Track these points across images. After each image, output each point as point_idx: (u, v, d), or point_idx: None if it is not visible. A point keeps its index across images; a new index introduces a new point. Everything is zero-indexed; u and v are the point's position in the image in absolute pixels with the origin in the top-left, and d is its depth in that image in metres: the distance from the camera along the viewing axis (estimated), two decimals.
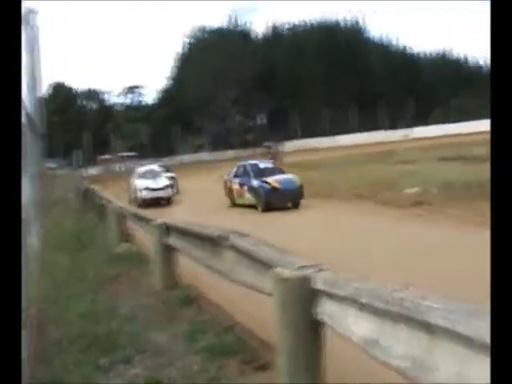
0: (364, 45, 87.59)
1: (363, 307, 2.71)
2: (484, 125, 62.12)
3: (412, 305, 2.36)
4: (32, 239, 4.65)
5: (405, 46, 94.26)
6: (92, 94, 75.26)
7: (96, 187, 28.44)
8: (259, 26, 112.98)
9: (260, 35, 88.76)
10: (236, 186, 20.70)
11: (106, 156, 61.28)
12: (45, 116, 5.51)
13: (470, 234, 11.05)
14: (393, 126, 69.91)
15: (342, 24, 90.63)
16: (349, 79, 77.05)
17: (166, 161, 43.98)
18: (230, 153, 62.89)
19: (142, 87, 78.64)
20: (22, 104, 2.81)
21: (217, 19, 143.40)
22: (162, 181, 25.74)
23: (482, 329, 1.93)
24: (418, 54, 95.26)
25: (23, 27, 4.18)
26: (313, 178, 23.68)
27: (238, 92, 71.46)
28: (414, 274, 7.39)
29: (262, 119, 77.88)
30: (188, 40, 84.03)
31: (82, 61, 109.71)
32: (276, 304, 3.29)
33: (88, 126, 67.28)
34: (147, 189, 24.64)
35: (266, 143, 54.62)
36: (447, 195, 15.75)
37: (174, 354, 4.76)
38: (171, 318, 5.82)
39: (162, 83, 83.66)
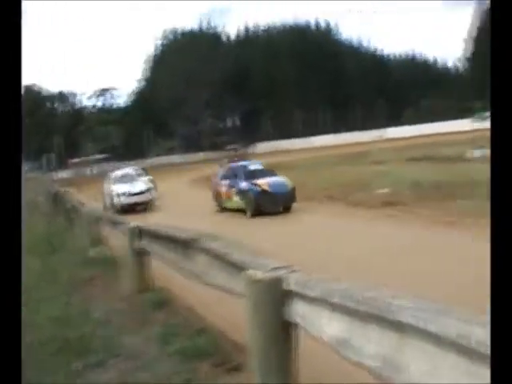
0: (336, 46, 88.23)
1: (335, 307, 2.73)
2: (453, 125, 63.33)
3: (383, 304, 2.38)
4: None
5: (376, 48, 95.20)
6: (63, 97, 74.49)
7: (68, 190, 28.14)
8: (232, 28, 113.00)
9: (233, 37, 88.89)
10: (224, 189, 19.31)
11: (77, 159, 60.75)
12: None
13: (439, 233, 11.28)
14: (365, 126, 70.45)
15: (315, 26, 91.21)
16: (321, 80, 77.55)
17: (138, 163, 43.72)
18: (202, 155, 62.90)
19: (114, 89, 78.03)
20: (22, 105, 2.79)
21: (189, 21, 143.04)
22: (141, 185, 24.01)
23: (451, 327, 1.97)
24: (389, 55, 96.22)
25: None
26: None
27: (210, 94, 71.39)
28: (385, 274, 7.49)
29: (234, 121, 77.98)
30: (160, 42, 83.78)
31: (53, 63, 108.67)
32: (248, 306, 3.30)
33: (59, 128, 66.65)
34: (125, 194, 22.91)
35: (232, 145, 54.59)
36: (417, 195, 15.95)
37: (147, 357, 4.74)
38: (144, 321, 5.79)
39: (135, 85, 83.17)
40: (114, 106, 78.66)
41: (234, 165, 20.36)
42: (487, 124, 47.69)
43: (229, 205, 18.97)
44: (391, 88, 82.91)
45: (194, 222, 13.36)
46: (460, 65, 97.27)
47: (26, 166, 40.95)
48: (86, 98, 76.60)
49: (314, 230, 13.45)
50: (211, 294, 5.05)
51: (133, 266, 7.41)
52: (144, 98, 76.21)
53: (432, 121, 66.72)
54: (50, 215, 18.45)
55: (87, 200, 16.38)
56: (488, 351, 1.76)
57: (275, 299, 3.17)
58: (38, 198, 24.74)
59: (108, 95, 77.70)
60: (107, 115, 72.58)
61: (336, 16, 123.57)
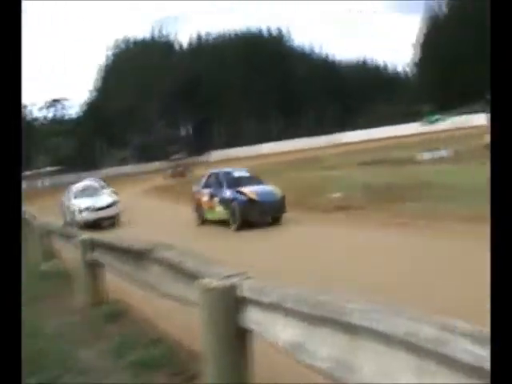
0: (288, 53, 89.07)
1: (289, 312, 2.75)
2: (402, 129, 64.49)
3: (336, 307, 2.41)
4: None
5: (327, 54, 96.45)
6: None
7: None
8: (185, 37, 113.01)
9: (185, 45, 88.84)
10: (205, 198, 17.33)
11: (29, 172, 59.58)
12: None
13: (390, 235, 11.52)
14: (318, 132, 71.21)
15: (267, 33, 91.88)
16: (273, 87, 78.11)
17: (91, 175, 43.16)
18: (155, 165, 62.52)
19: (65, 100, 76.97)
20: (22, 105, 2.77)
21: (141, 30, 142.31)
22: (105, 198, 21.86)
23: (401, 326, 2.02)
24: (340, 61, 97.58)
25: None
26: None
27: (163, 103, 71.09)
28: (337, 275, 7.60)
29: (187, 130, 77.76)
30: (112, 51, 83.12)
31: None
32: (202, 314, 3.29)
33: None
34: (89, 209, 20.67)
35: (176, 156, 54.11)
36: (369, 198, 16.22)
37: (102, 371, 4.68)
38: (98, 334, 5.71)
39: (86, 96, 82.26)
40: (66, 117, 77.67)
41: (216, 171, 18.55)
42: (435, 127, 48.63)
43: (211, 216, 17.17)
44: (343, 93, 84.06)
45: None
46: (409, 69, 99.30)
47: None
48: (37, 110, 75.42)
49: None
50: (168, 304, 5.02)
51: (86, 278, 7.30)
52: (96, 109, 75.50)
53: (383, 125, 67.89)
54: None
55: (39, 213, 16.02)
56: (436, 348, 1.81)
57: (229, 307, 3.17)
58: None
59: (59, 106, 76.76)
60: (59, 126, 71.58)
61: (288, 23, 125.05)
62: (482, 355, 1.65)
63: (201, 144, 70.27)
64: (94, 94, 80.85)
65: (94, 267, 7.21)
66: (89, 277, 7.26)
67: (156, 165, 61.70)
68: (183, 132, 78.15)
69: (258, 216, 15.34)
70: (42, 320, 6.58)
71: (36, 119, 75.23)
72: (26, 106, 73.53)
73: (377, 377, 2.15)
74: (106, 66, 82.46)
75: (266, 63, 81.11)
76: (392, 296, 5.96)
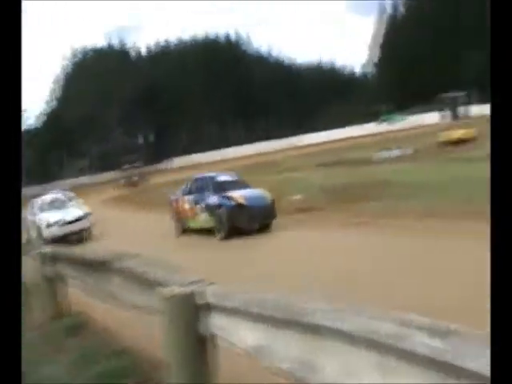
0: (247, 58, 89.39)
1: (252, 317, 2.76)
2: (360, 129, 65.18)
3: (298, 309, 2.44)
4: None
5: (286, 57, 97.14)
6: None
7: None
8: (143, 44, 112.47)
9: (144, 53, 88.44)
10: (187, 205, 16.01)
11: None
12: None
13: (350, 235, 11.67)
14: (278, 135, 71.56)
15: (226, 38, 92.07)
16: (233, 92, 78.37)
17: (49, 186, 42.48)
18: (109, 175, 61.61)
19: (23, 111, 75.75)
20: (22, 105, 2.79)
21: (99, 39, 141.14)
22: (76, 211, 20.00)
23: (363, 324, 2.05)
24: (300, 64, 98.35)
25: None
26: None
27: (122, 111, 70.57)
28: (299, 277, 7.66)
29: (148, 137, 77.33)
30: (69, 61, 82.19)
31: None
32: (164, 322, 3.28)
33: None
34: (58, 223, 19.03)
35: (127, 165, 52.96)
36: (329, 199, 16.36)
37: None
38: (59, 347, 5.61)
39: (43, 106, 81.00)
40: (23, 129, 76.33)
41: (199, 176, 17.08)
42: (392, 127, 49.27)
43: (193, 224, 15.75)
44: (302, 96, 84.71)
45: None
46: (366, 70, 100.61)
47: None
48: None
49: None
50: (132, 314, 4.96)
51: (45, 292, 7.16)
52: (53, 119, 74.49)
53: (342, 126, 68.58)
54: None
55: None
56: (396, 343, 1.84)
57: (190, 314, 3.16)
58: None
59: None
60: None
61: (246, 28, 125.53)
62: (439, 348, 1.68)
63: (162, 151, 69.88)
64: (52, 103, 79.79)
65: (53, 280, 7.09)
66: (48, 290, 7.13)
67: (110, 175, 60.67)
68: (142, 140, 77.61)
69: (246, 222, 14.01)
70: None
71: None
72: None
73: (339, 376, 2.18)
74: (65, 75, 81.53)
75: (226, 68, 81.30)
76: (353, 295, 6.07)
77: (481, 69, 78.75)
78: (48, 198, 22.05)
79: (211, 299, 3.12)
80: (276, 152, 54.63)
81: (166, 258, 4.76)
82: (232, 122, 75.71)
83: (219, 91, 77.73)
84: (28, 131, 74.93)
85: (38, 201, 21.41)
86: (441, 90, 41.16)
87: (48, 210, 20.00)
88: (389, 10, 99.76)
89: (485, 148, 23.86)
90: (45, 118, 77.44)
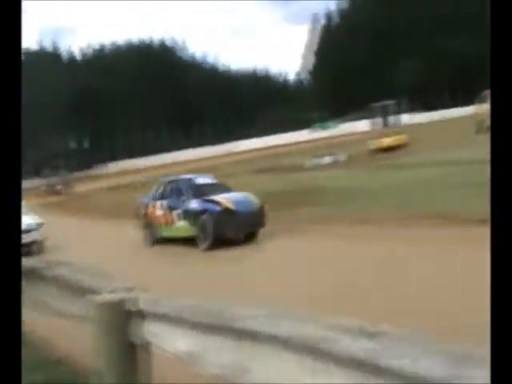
0: (183, 64, 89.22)
1: (185, 323, 2.75)
2: (295, 136, 65.92)
3: (232, 315, 2.45)
4: None
5: (221, 64, 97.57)
6: None
7: None
8: (78, 48, 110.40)
9: (79, 57, 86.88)
10: (160, 212, 14.14)
11: None
12: None
13: (291, 242, 11.70)
14: (213, 141, 71.60)
15: (161, 44, 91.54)
16: (169, 97, 77.92)
17: None
18: (34, 182, 59.52)
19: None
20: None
21: (31, 42, 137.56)
22: (27, 220, 15.44)
23: (290, 328, 2.08)
24: (235, 70, 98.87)
25: None
26: (120, 200, 23.91)
27: (55, 116, 68.91)
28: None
29: (83, 142, 75.89)
30: None
31: None
32: (94, 330, 3.23)
33: None
34: None
35: (49, 171, 50.86)
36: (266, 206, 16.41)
37: None
38: None
39: None
40: None
41: (173, 178, 15.16)
42: (325, 133, 49.93)
43: (168, 233, 13.90)
44: (238, 102, 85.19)
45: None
46: (300, 78, 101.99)
47: None
48: None
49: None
50: (67, 323, 4.85)
51: None
52: None
53: (277, 132, 69.24)
54: None
55: None
56: (327, 346, 1.88)
57: (122, 321, 3.12)
58: None
59: None
60: None
61: (182, 33, 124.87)
62: (368, 349, 1.73)
63: (96, 156, 68.64)
64: None
65: None
66: None
67: (32, 182, 58.49)
68: (75, 145, 76.02)
69: (234, 230, 12.38)
70: None
71: None
72: None
73: (271, 379, 2.20)
74: None
75: (161, 74, 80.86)
76: (280, 300, 6.14)
77: (411, 78, 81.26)
78: None
79: (143, 306, 3.09)
80: (211, 158, 54.58)
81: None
82: (167, 128, 75.17)
83: (154, 96, 77.16)
84: None
85: None
86: (373, 98, 42.14)
87: None
88: (323, 19, 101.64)
89: (414, 155, 24.65)
90: None
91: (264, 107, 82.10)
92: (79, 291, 4.03)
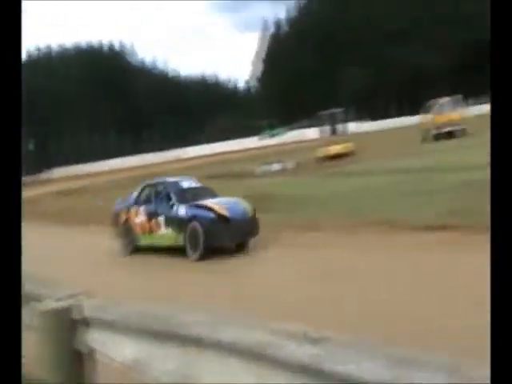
0: (132, 69, 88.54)
1: (132, 329, 2.73)
2: (244, 143, 66.12)
3: (177, 321, 2.44)
4: None
5: (170, 69, 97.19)
6: None
7: None
8: (24, 50, 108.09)
9: (24, 57, 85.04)
10: (140, 219, 12.83)
11: None
12: None
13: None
14: (163, 147, 71.08)
15: (110, 48, 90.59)
16: (117, 103, 77.07)
17: None
18: None
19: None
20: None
21: None
22: None
23: (237, 334, 2.09)
24: (184, 76, 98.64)
25: None
26: (70, 205, 23.45)
27: None
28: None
29: (28, 146, 74.24)
30: None
31: None
32: (39, 338, 3.17)
33: None
34: None
35: None
36: None
37: None
38: None
39: None
40: None
41: (154, 182, 13.81)
42: (274, 141, 50.10)
43: (148, 242, 12.66)
44: (187, 108, 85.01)
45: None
46: (250, 85, 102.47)
47: None
48: None
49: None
50: None
51: None
52: None
53: (226, 139, 69.32)
54: None
55: None
56: (272, 352, 1.90)
57: (66, 328, 3.07)
58: None
59: None
60: None
61: (132, 38, 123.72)
62: (313, 354, 1.76)
63: (42, 160, 67.25)
64: None
65: None
66: None
67: None
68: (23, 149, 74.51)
69: (227, 239, 11.38)
70: None
71: None
72: None
73: None
74: None
75: (110, 78, 79.99)
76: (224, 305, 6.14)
77: (359, 86, 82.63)
78: None
79: (89, 313, 3.05)
80: (161, 164, 54.18)
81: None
82: (116, 133, 74.32)
83: (103, 101, 76.24)
84: None
85: None
86: (322, 106, 42.66)
87: None
88: (272, 26, 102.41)
89: (361, 163, 25.06)
90: None
91: (213, 114, 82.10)
92: (24, 299, 3.95)
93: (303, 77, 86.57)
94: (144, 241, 12.73)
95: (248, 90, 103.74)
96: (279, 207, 15.19)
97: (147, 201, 12.92)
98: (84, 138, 72.63)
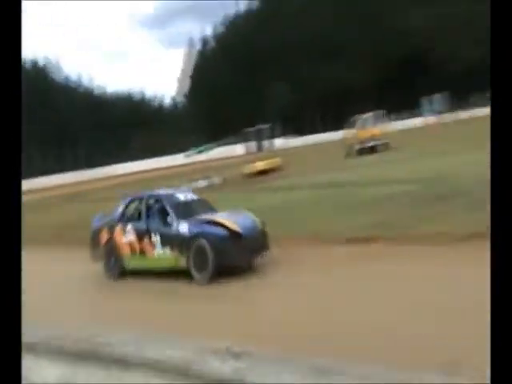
0: (55, 85, 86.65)
1: (53, 352, 2.72)
2: (171, 160, 65.81)
3: (100, 340, 2.46)
4: None
5: (95, 86, 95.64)
6: None
7: None
8: None
9: None
10: (129, 237, 11.07)
11: None
12: None
13: None
14: (88, 165, 69.59)
15: (33, 64, 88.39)
16: (41, 120, 75.10)
17: None
18: None
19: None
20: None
21: None
22: None
23: (164, 353, 2.13)
24: (109, 93, 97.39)
25: None
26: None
27: None
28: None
29: None
30: None
31: None
32: None
33: None
34: None
35: None
36: None
37: None
38: None
39: None
40: None
41: (147, 195, 11.65)
42: (200, 158, 49.95)
43: (140, 264, 10.88)
44: (112, 125, 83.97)
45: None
46: (176, 101, 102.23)
47: None
48: None
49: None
50: None
51: None
52: None
53: (152, 156, 68.84)
54: None
55: None
56: (195, 367, 1.95)
57: None
58: None
59: None
60: None
61: (55, 54, 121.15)
62: (236, 368, 1.83)
63: None
64: None
65: None
66: None
67: None
68: None
69: (239, 258, 9.87)
70: None
71: None
72: None
73: None
74: None
75: (32, 95, 77.81)
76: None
77: (285, 102, 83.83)
78: None
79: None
80: (86, 182, 53.09)
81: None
82: (38, 151, 72.36)
83: (25, 118, 74.36)
84: None
85: None
86: (249, 123, 43.04)
87: None
88: (198, 43, 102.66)
89: (288, 178, 25.37)
90: None
91: (140, 130, 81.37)
92: None
93: (230, 93, 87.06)
94: (134, 263, 10.95)
95: (175, 106, 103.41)
96: None
97: (135, 217, 11.26)
98: None
